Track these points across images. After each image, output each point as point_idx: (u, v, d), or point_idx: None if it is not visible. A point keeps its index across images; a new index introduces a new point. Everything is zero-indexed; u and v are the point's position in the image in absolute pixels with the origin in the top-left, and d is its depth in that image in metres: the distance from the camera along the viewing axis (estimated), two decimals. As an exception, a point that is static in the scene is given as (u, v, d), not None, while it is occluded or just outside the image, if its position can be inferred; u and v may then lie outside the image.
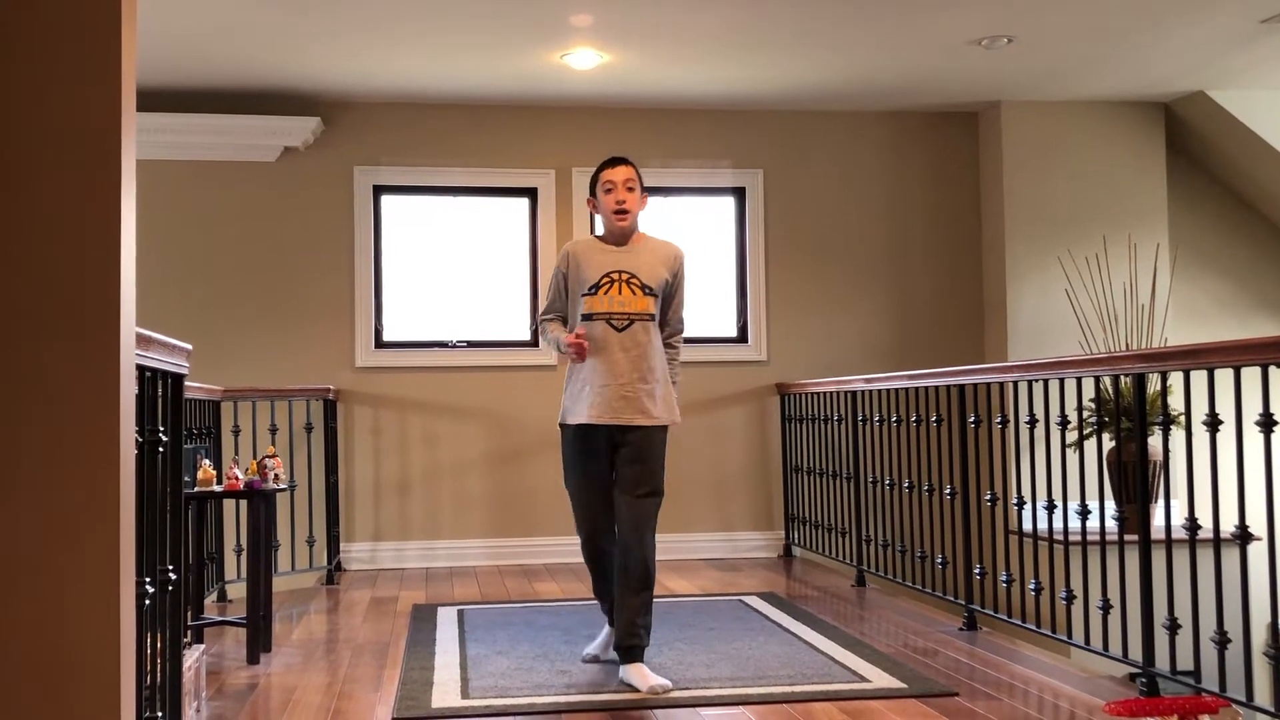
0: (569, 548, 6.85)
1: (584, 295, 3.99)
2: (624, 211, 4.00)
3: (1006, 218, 7.07)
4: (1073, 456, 4.28)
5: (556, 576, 6.29)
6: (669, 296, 4.07)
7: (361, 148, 6.93)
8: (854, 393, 6.06)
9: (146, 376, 2.53)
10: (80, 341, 2.07)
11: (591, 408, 3.91)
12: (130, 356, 2.18)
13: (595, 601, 5.60)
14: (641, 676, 3.78)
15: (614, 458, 3.96)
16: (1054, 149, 7.11)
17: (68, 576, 2.04)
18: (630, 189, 4.01)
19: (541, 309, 4.19)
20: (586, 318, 3.96)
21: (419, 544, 6.85)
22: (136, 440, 2.35)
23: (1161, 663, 3.72)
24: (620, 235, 4.04)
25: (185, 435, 4.53)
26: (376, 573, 6.60)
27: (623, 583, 3.91)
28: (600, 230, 4.13)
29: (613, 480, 3.98)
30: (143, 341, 2.36)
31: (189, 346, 2.87)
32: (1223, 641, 3.35)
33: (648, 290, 4.00)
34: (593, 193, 4.08)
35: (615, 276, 3.98)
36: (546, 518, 6.92)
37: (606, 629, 4.18)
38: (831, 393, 6.36)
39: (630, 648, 3.89)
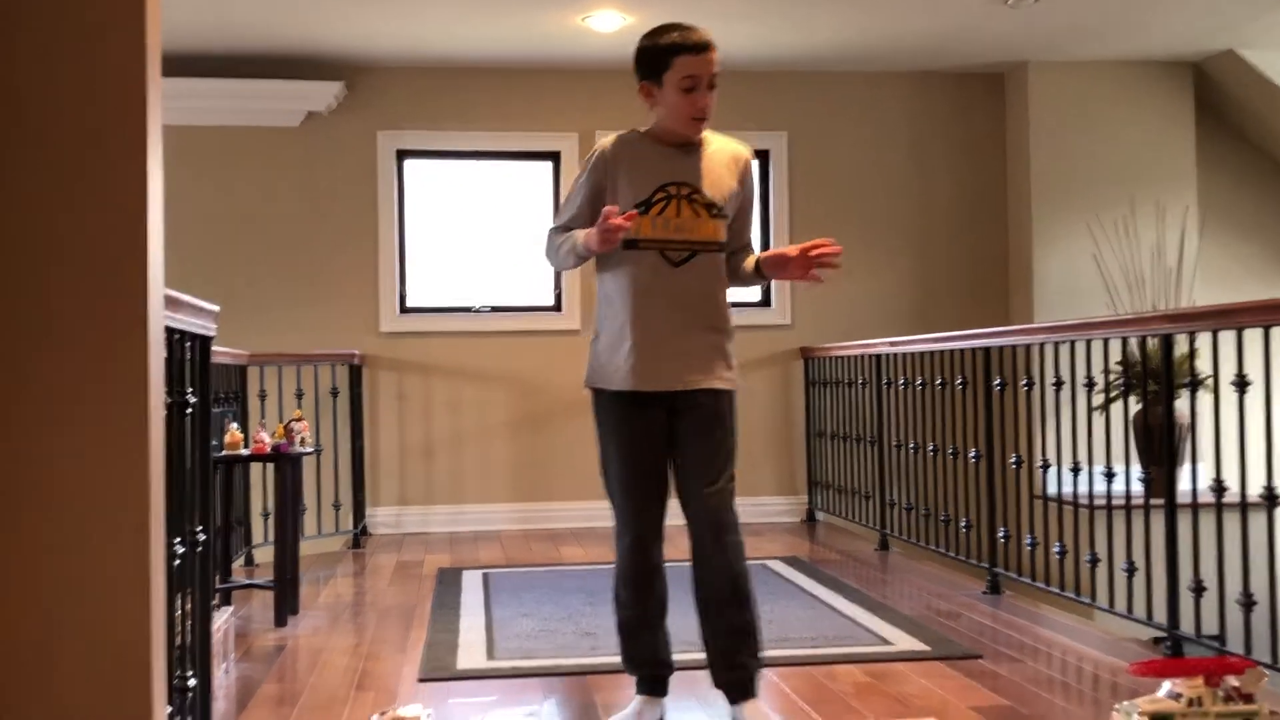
0: (593, 512, 6.87)
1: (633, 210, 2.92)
2: (705, 119, 2.95)
3: (1033, 180, 7.01)
4: (1098, 420, 4.26)
5: (581, 540, 6.32)
6: (736, 213, 3.04)
7: (384, 112, 6.92)
8: (878, 356, 6.05)
9: (174, 339, 2.54)
10: (109, 303, 2.08)
11: (638, 369, 2.90)
12: (159, 319, 2.19)
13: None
14: (761, 717, 2.86)
15: (673, 434, 2.96)
16: (1081, 110, 7.03)
17: (99, 537, 2.07)
18: (712, 86, 2.92)
19: (553, 224, 3.14)
20: (630, 245, 2.89)
21: (444, 509, 6.90)
22: (165, 402, 2.36)
23: (1186, 625, 3.71)
24: (685, 138, 2.98)
25: (212, 399, 4.57)
26: (402, 537, 6.65)
27: (705, 603, 2.92)
28: (654, 126, 3.00)
29: (669, 465, 2.99)
30: (171, 303, 2.37)
31: (216, 308, 2.88)
32: (1248, 604, 3.34)
33: (715, 210, 2.94)
34: (653, 76, 2.93)
35: (673, 191, 2.92)
36: (571, 482, 6.94)
37: (637, 700, 3.01)
38: (855, 356, 6.35)
39: (736, 683, 2.89)
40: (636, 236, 2.89)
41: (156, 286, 2.18)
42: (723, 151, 3.02)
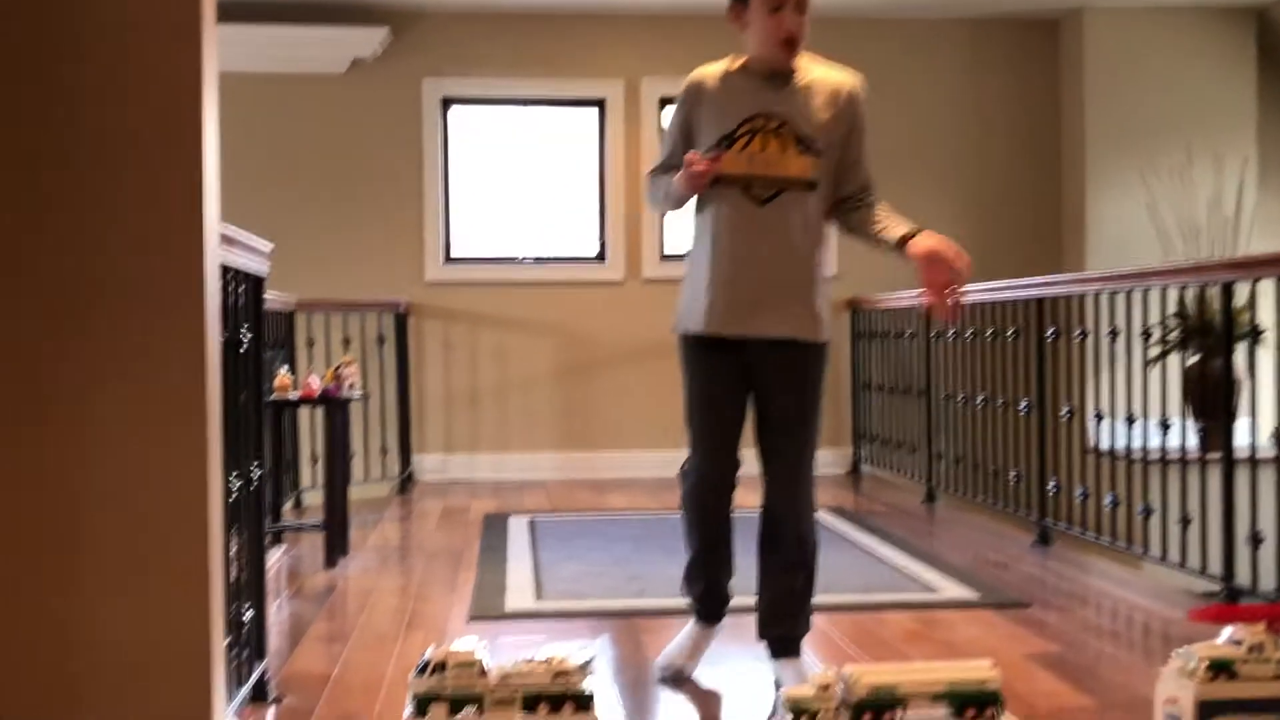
0: (637, 462, 6.89)
1: (713, 151, 2.77)
2: (794, 42, 2.78)
3: (1087, 128, 6.88)
4: (1152, 374, 4.20)
5: (626, 490, 6.33)
6: (842, 152, 2.84)
7: (429, 58, 6.90)
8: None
9: (229, 277, 2.55)
10: (165, 238, 2.08)
11: (715, 311, 2.77)
12: (215, 256, 2.20)
13: (669, 515, 5.65)
14: (798, 676, 2.71)
15: (752, 384, 2.84)
16: (1138, 58, 6.87)
17: (159, 472, 2.08)
18: (802, 8, 2.80)
19: (651, 166, 2.98)
20: (715, 182, 2.75)
21: (489, 456, 6.93)
22: (220, 340, 2.37)
23: (1242, 578, 3.66)
24: (776, 66, 2.81)
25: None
26: (448, 484, 6.69)
27: (766, 557, 2.86)
28: (747, 56, 2.84)
29: (745, 415, 2.87)
30: (226, 241, 2.37)
31: (269, 246, 2.89)
32: (1308, 555, 3.29)
33: (806, 145, 2.76)
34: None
35: (760, 124, 2.75)
36: (615, 432, 6.96)
37: (691, 624, 2.99)
38: (905, 308, 6.28)
39: (781, 639, 2.85)
40: (721, 173, 2.74)
41: (212, 224, 2.18)
42: (823, 82, 2.83)
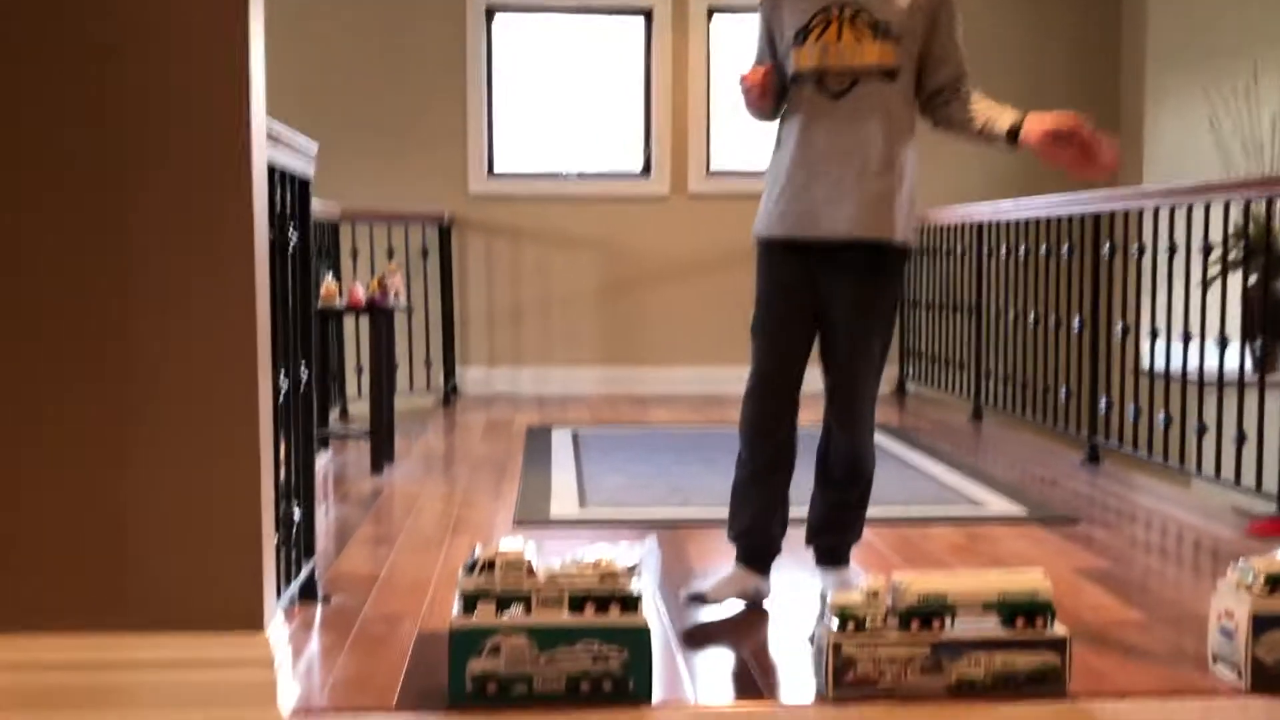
0: (680, 378, 6.87)
1: (790, 48, 2.64)
2: None
3: (1149, 41, 6.67)
4: (1210, 294, 4.10)
5: (668, 405, 6.32)
6: (926, 41, 2.64)
7: (474, -34, 6.78)
8: (980, 224, 5.88)
9: (275, 176, 2.53)
10: (212, 132, 2.06)
11: (786, 214, 2.65)
12: (262, 152, 2.17)
13: (712, 430, 5.67)
14: (843, 583, 2.70)
15: (820, 291, 2.68)
16: (1205, -33, 6.64)
17: (207, 368, 2.08)
18: None
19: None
20: (794, 80, 2.64)
21: (532, 370, 6.94)
22: (269, 239, 2.35)
23: (1297, 497, 3.60)
24: None
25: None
26: (491, 397, 6.71)
27: (823, 474, 2.78)
28: None
29: (813, 327, 2.72)
30: (272, 138, 2.34)
31: (315, 146, 2.86)
32: (1368, 474, 3.22)
33: (883, 31, 2.59)
34: None
35: (834, 13, 2.60)
36: (658, 348, 6.94)
37: (733, 568, 2.79)
38: (955, 224, 6.18)
39: (829, 548, 2.81)
40: (799, 69, 2.61)
41: (260, 119, 2.15)
42: None
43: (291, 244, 2.68)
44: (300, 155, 2.73)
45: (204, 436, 2.09)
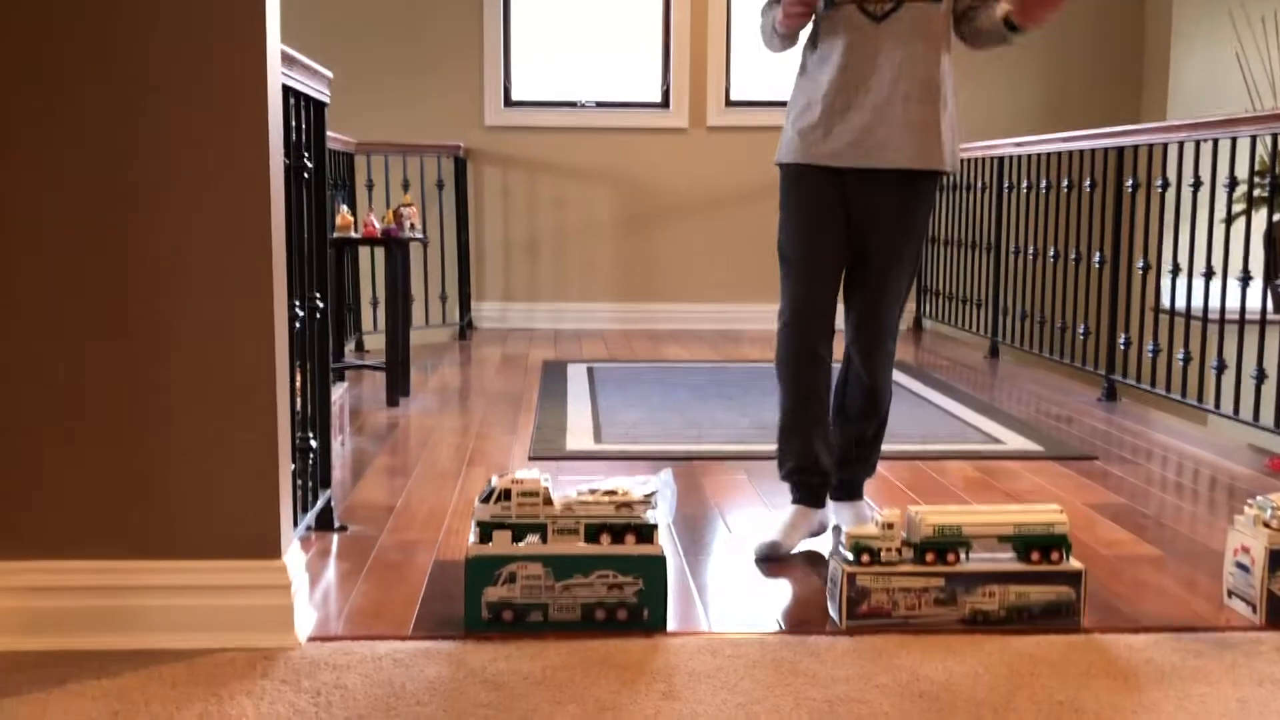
0: (696, 315, 6.85)
1: None
2: None
3: (1177, -27, 6.54)
4: (1234, 231, 4.05)
5: (683, 342, 6.31)
6: None
7: (491, -107, 6.67)
8: (1001, 158, 5.81)
9: (290, 101, 2.50)
10: (227, 52, 2.03)
11: (825, 140, 2.57)
12: (277, 74, 2.14)
13: (728, 365, 5.67)
14: (857, 518, 2.74)
15: (852, 219, 2.63)
16: (1237, -105, 6.48)
17: (222, 295, 2.07)
18: None
19: (763, 2, 2.73)
20: (830, 3, 2.56)
21: (548, 305, 6.92)
22: (284, 164, 2.33)
23: (1316, 435, 3.58)
24: None
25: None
26: (506, 331, 6.71)
27: (840, 403, 2.75)
28: None
29: (845, 254, 2.66)
30: (287, 60, 2.31)
31: (329, 74, 2.82)
32: (1389, 412, 3.20)
33: None
34: None
35: None
36: (675, 284, 6.91)
37: (791, 510, 2.74)
38: (976, 158, 6.11)
39: (844, 482, 2.79)
40: None
41: (274, 41, 2.12)
42: None
43: (307, 171, 2.66)
44: (316, 79, 2.70)
45: (220, 365, 2.08)
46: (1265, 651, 2.12)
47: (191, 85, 2.03)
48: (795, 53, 2.73)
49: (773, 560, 2.65)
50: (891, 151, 2.54)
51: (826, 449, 2.73)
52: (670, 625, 2.21)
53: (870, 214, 2.61)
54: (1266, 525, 2.29)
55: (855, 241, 2.64)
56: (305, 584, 2.25)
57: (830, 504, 2.81)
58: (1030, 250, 5.51)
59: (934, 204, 2.71)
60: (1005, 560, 2.24)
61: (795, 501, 2.74)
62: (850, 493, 2.84)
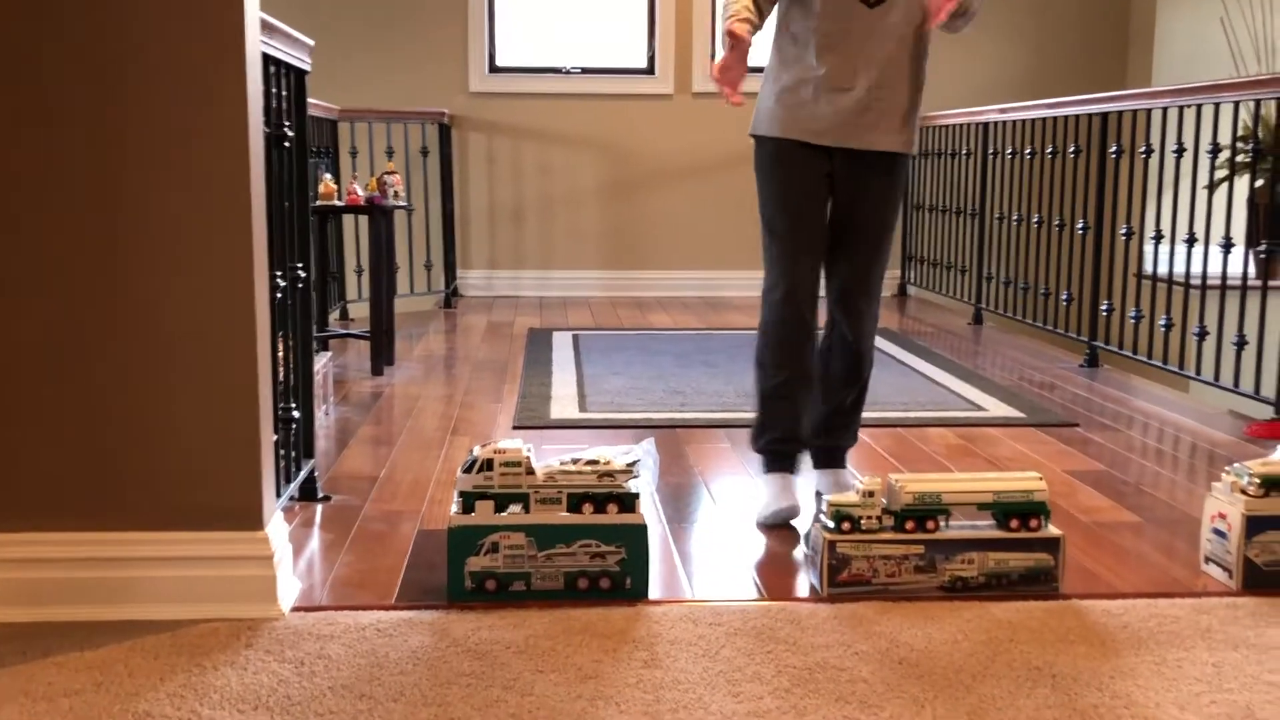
0: (681, 282, 6.85)
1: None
2: None
3: (1163, -63, 6.51)
4: (1216, 200, 4.06)
5: (669, 309, 6.31)
6: None
7: None
8: (986, 124, 5.80)
9: (270, 70, 2.48)
10: (205, 20, 2.01)
11: (817, 119, 2.63)
12: (255, 43, 2.13)
13: (712, 332, 5.67)
14: (839, 485, 2.74)
15: (836, 193, 2.71)
16: None
17: (201, 265, 2.07)
18: None
19: None
20: None
21: (533, 273, 6.91)
22: (264, 133, 2.32)
23: (1295, 401, 3.61)
24: None
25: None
26: (492, 299, 6.70)
27: (824, 370, 2.79)
28: None
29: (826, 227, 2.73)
30: (266, 29, 2.29)
31: (310, 42, 2.80)
32: (1367, 378, 3.22)
33: None
34: None
35: None
36: (660, 251, 6.90)
37: (768, 483, 2.76)
38: (961, 125, 6.10)
39: (828, 449, 2.84)
40: None
41: (254, 9, 2.11)
42: None
43: (288, 139, 2.64)
44: (296, 46, 2.68)
45: (201, 336, 2.08)
46: (1240, 617, 2.15)
47: (170, 54, 2.01)
48: (773, 20, 2.73)
49: (784, 525, 2.68)
50: (881, 134, 2.63)
51: (807, 419, 2.78)
52: (653, 594, 2.23)
53: (859, 190, 2.69)
54: (1243, 492, 2.31)
55: (842, 214, 2.71)
56: (289, 554, 2.25)
57: (814, 472, 2.85)
58: (1014, 217, 5.52)
59: (906, 178, 2.78)
60: (984, 527, 2.26)
61: (776, 470, 2.76)
62: (834, 460, 2.88)
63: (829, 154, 2.66)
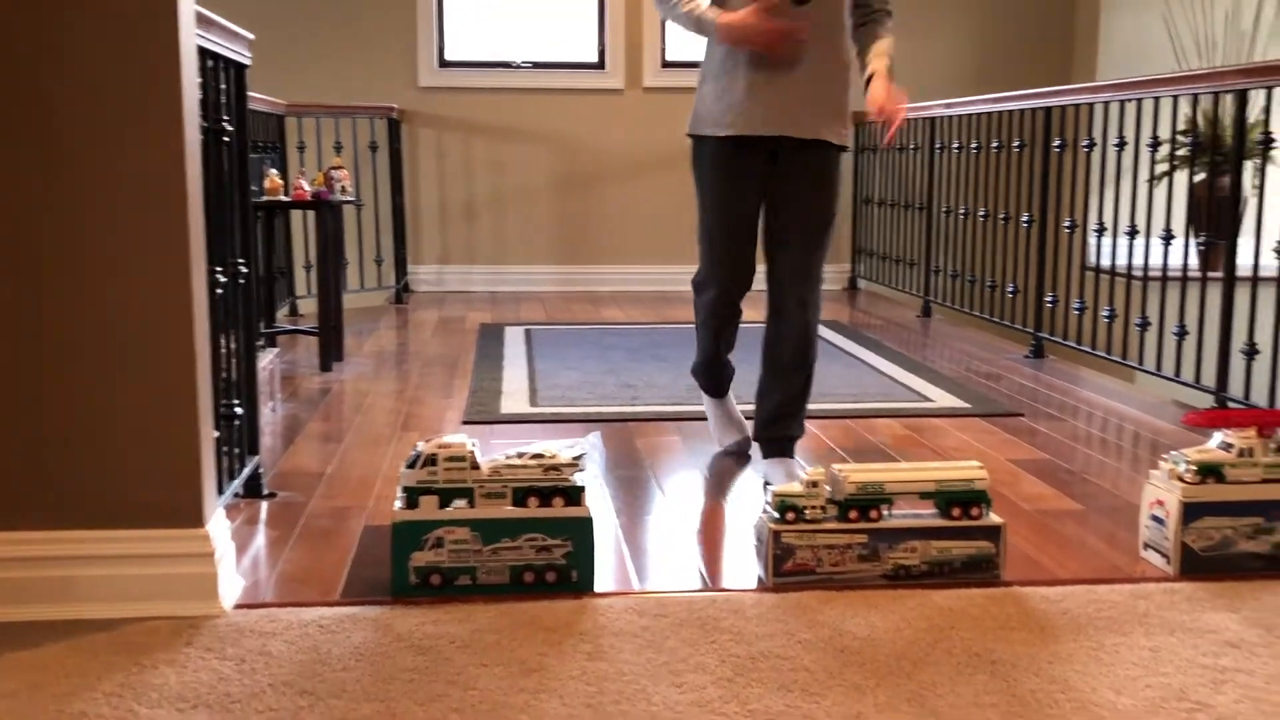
0: (634, 276, 6.86)
1: None
2: None
3: (1107, -66, 6.60)
4: (1156, 193, 4.12)
5: (621, 304, 6.31)
6: None
7: None
8: (933, 119, 5.85)
9: (208, 64, 2.45)
10: (138, 17, 1.99)
11: (750, 112, 2.76)
12: (190, 35, 2.10)
13: (664, 326, 5.67)
14: (787, 474, 2.82)
15: (770, 186, 2.85)
16: None
17: (138, 261, 2.04)
18: None
19: None
20: None
21: (485, 269, 6.89)
22: (201, 127, 2.30)
23: (1235, 390, 3.67)
24: None
25: (251, 146, 4.49)
26: (444, 295, 6.67)
27: (771, 359, 2.92)
28: None
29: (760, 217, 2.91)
30: (203, 22, 2.27)
31: (251, 36, 2.77)
32: (1302, 367, 3.28)
33: None
34: None
35: None
36: (613, 246, 6.90)
37: (713, 404, 3.21)
38: (909, 120, 6.14)
39: (776, 439, 2.93)
40: None
41: (187, 3, 2.08)
42: None
43: (227, 134, 2.61)
44: (235, 40, 2.65)
45: (138, 333, 2.05)
46: (1177, 602, 2.18)
47: (100, 49, 1.98)
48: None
49: (743, 452, 3.13)
50: (814, 125, 2.77)
51: (730, 363, 3.15)
52: (600, 586, 2.23)
53: (797, 183, 2.81)
54: (1180, 479, 2.35)
55: (781, 207, 2.84)
56: (231, 551, 2.23)
57: (763, 462, 2.92)
58: (961, 211, 5.57)
59: (839, 169, 2.89)
60: (927, 516, 2.28)
61: (712, 396, 3.19)
62: (783, 449, 2.94)
63: (765, 150, 2.79)
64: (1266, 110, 3.51)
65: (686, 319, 5.68)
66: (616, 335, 5.19)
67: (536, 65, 6.84)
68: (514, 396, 3.92)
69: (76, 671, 1.85)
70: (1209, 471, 2.34)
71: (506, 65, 6.82)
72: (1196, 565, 2.32)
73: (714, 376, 3.17)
